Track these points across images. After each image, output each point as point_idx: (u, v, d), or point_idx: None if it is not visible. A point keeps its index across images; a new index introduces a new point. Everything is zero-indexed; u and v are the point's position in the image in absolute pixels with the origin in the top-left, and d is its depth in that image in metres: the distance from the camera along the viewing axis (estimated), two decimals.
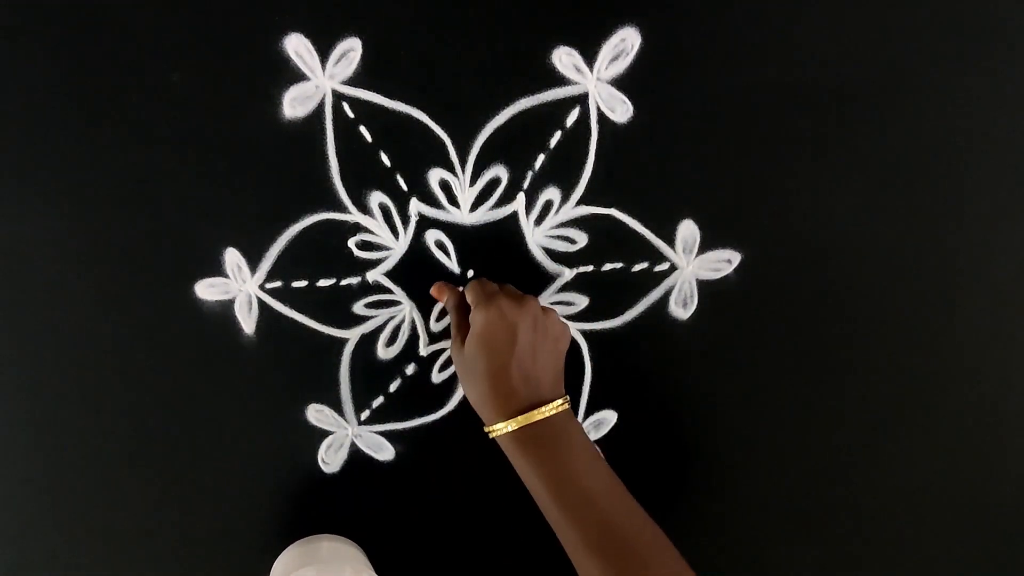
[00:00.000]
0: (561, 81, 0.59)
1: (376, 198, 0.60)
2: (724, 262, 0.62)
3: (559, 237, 0.62)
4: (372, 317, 0.62)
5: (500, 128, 0.59)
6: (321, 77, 0.58)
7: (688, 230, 0.62)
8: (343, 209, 0.60)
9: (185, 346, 0.61)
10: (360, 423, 0.64)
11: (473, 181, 0.60)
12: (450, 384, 0.64)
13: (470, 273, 0.62)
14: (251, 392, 0.62)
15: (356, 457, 0.64)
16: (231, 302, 0.61)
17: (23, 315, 0.60)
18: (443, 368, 0.63)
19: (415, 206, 0.61)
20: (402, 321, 0.63)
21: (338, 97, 0.59)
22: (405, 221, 0.61)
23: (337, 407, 0.63)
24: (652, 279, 0.63)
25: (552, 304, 0.63)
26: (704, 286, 0.63)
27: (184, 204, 0.59)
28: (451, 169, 0.60)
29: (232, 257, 0.60)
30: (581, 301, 0.63)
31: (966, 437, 0.66)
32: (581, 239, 0.62)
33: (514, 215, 0.61)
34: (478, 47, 0.58)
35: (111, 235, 0.59)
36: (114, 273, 0.60)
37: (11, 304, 0.60)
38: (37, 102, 0.57)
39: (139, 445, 0.63)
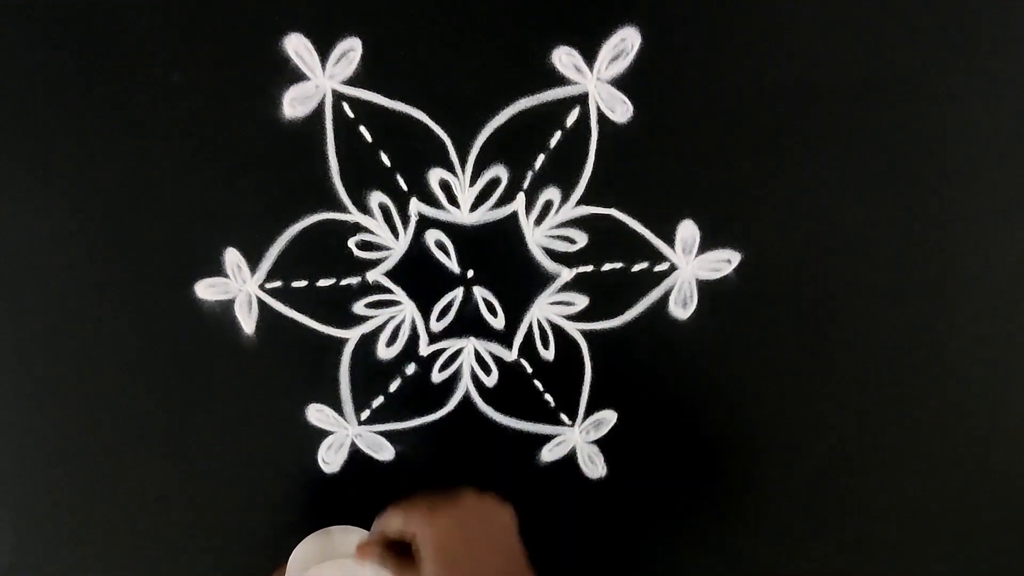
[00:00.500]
0: (561, 81, 0.59)
1: (376, 198, 0.60)
2: (724, 262, 0.62)
3: (559, 237, 0.62)
4: (372, 317, 0.62)
5: (500, 128, 0.59)
6: (321, 77, 0.58)
7: (688, 230, 0.62)
8: (343, 209, 0.60)
9: (185, 346, 0.61)
10: (360, 423, 0.64)
11: (473, 181, 0.60)
12: (450, 384, 0.64)
13: (470, 273, 0.62)
14: (251, 392, 0.62)
15: (356, 457, 0.64)
16: (231, 302, 0.61)
17: (23, 315, 0.60)
18: (443, 368, 0.63)
19: (415, 206, 0.61)
20: (402, 321, 0.63)
21: (338, 97, 0.59)
22: (405, 221, 0.61)
23: (337, 407, 0.63)
24: (652, 279, 0.63)
25: (552, 304, 0.63)
26: (704, 286, 0.63)
27: (184, 204, 0.59)
28: (451, 169, 0.60)
29: (232, 257, 0.60)
30: (581, 301, 0.63)
31: (967, 436, 0.66)
32: (581, 239, 0.62)
33: (514, 215, 0.61)
34: (478, 47, 0.58)
35: (111, 235, 0.59)
36: (114, 273, 0.60)
37: (11, 304, 0.60)
38: (37, 102, 0.57)
39: (138, 445, 0.63)
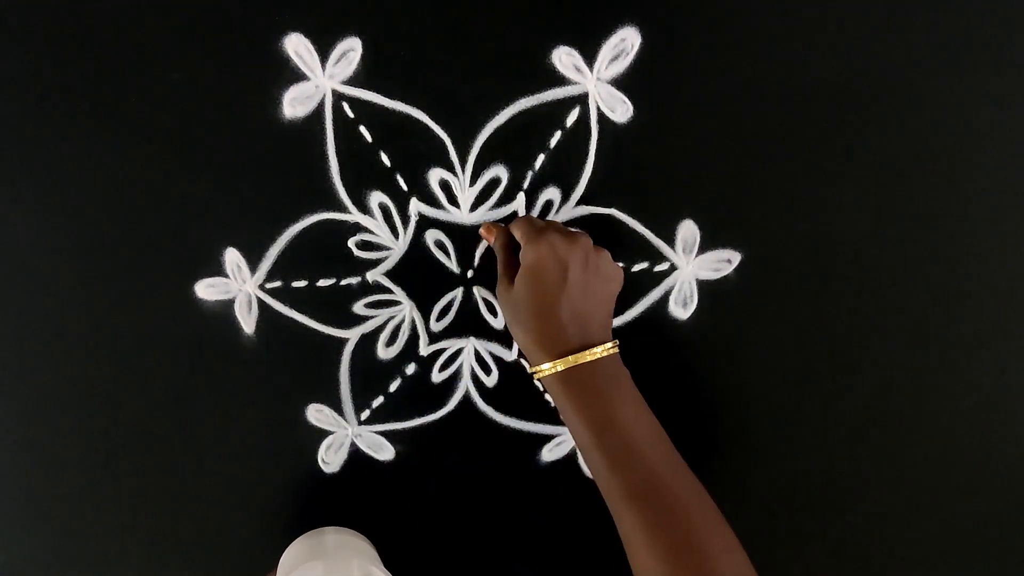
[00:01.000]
0: (561, 81, 0.59)
1: (376, 198, 0.60)
2: (724, 262, 0.62)
3: None
4: (372, 317, 0.62)
5: (500, 128, 0.59)
6: (321, 77, 0.58)
7: (688, 230, 0.62)
8: (343, 209, 0.60)
9: (185, 346, 0.61)
10: (360, 423, 0.64)
11: (473, 181, 0.60)
12: (450, 384, 0.64)
13: (470, 273, 0.62)
14: (251, 392, 0.62)
15: (356, 457, 0.64)
16: (231, 302, 0.61)
17: (23, 315, 0.60)
18: (443, 368, 0.63)
19: (415, 206, 0.61)
20: (402, 321, 0.63)
21: (338, 97, 0.59)
22: (405, 221, 0.61)
23: (337, 407, 0.63)
24: (652, 279, 0.63)
25: None
26: (704, 286, 0.63)
27: (184, 204, 0.59)
28: (451, 169, 0.60)
29: (232, 257, 0.60)
30: None
31: (967, 436, 0.66)
32: None
33: (514, 215, 0.61)
34: (478, 47, 0.58)
35: (111, 235, 0.59)
36: (114, 273, 0.60)
37: (10, 304, 0.60)
38: (37, 102, 0.57)
39: (139, 445, 0.63)
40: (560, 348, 0.53)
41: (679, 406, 0.65)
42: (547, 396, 0.64)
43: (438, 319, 0.63)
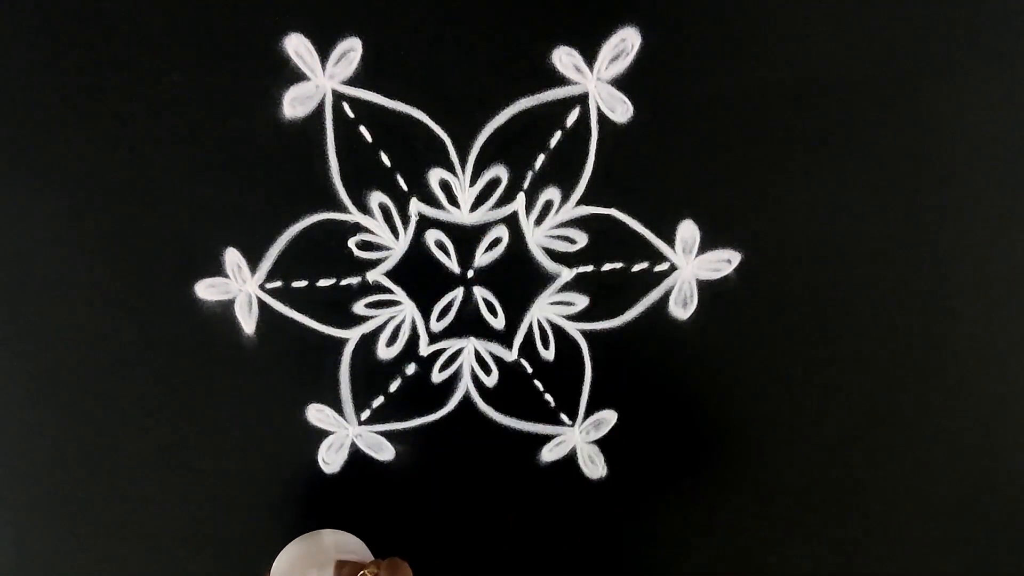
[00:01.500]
0: (561, 81, 0.59)
1: (376, 198, 0.60)
2: (724, 262, 0.62)
3: (559, 237, 0.62)
4: (372, 317, 0.62)
5: (500, 128, 0.59)
6: (321, 77, 0.58)
7: (688, 230, 0.62)
8: (343, 209, 0.60)
9: (185, 346, 0.61)
10: (360, 423, 0.64)
11: (473, 181, 0.60)
12: (450, 384, 0.64)
13: (470, 273, 0.62)
14: (251, 392, 0.62)
15: (356, 457, 0.64)
16: (231, 302, 0.61)
17: (23, 315, 0.60)
18: (443, 368, 0.63)
19: (415, 206, 0.61)
20: (402, 321, 0.63)
21: (338, 97, 0.59)
22: (405, 221, 0.61)
23: (337, 407, 0.63)
24: (652, 279, 0.63)
25: (552, 304, 0.63)
26: (704, 286, 0.63)
27: (184, 204, 0.59)
28: (451, 169, 0.60)
29: (232, 257, 0.60)
30: (581, 301, 0.63)
31: (966, 436, 0.66)
32: (581, 239, 0.62)
33: (514, 215, 0.61)
34: (478, 47, 0.58)
35: (111, 235, 0.59)
36: (114, 273, 0.60)
37: (11, 304, 0.60)
38: (37, 102, 0.57)
39: (138, 445, 0.63)
40: None
41: (679, 406, 0.65)
42: (547, 396, 0.64)
43: (438, 319, 0.63)
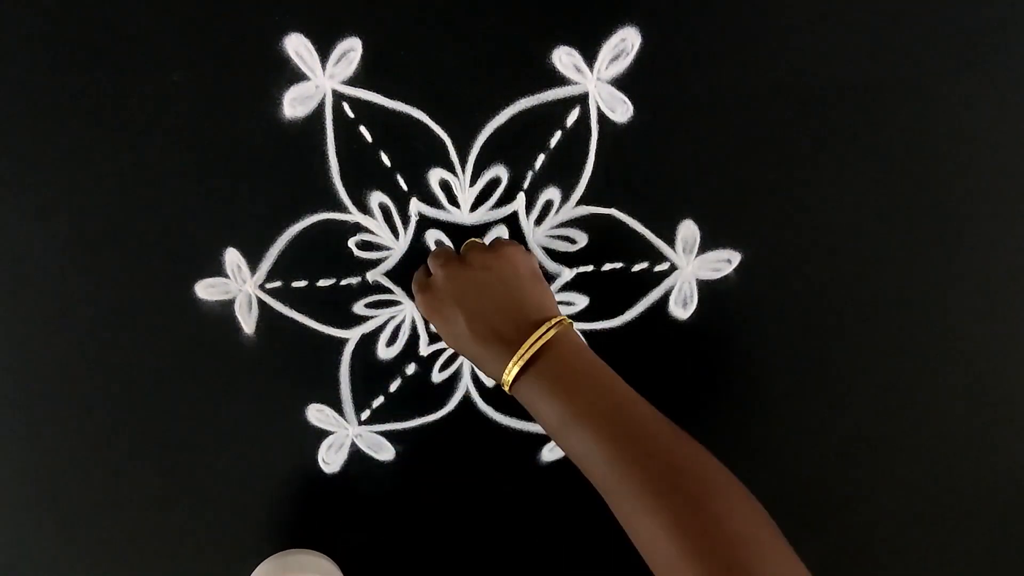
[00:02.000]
0: (561, 81, 0.59)
1: (376, 198, 0.60)
2: (724, 262, 0.62)
3: (559, 237, 0.62)
4: (372, 317, 0.62)
5: (500, 128, 0.59)
6: (321, 77, 0.58)
7: (688, 230, 0.62)
8: (343, 209, 0.60)
9: (185, 346, 0.61)
10: (360, 423, 0.64)
11: (473, 181, 0.60)
12: (450, 384, 0.64)
13: None
14: (251, 392, 0.62)
15: (356, 457, 0.64)
16: (231, 302, 0.61)
17: (23, 315, 0.60)
18: (443, 368, 0.63)
19: (415, 206, 0.61)
20: (402, 321, 0.63)
21: (338, 97, 0.59)
22: (405, 221, 0.61)
23: (337, 407, 0.63)
24: (652, 279, 0.63)
25: None
26: (704, 286, 0.63)
27: (184, 204, 0.59)
28: (451, 169, 0.60)
29: (232, 257, 0.60)
30: (581, 301, 0.63)
31: (966, 436, 0.66)
32: (581, 239, 0.62)
33: (514, 215, 0.61)
34: (478, 47, 0.58)
35: (111, 235, 0.59)
36: (114, 273, 0.60)
37: (11, 304, 0.60)
38: (37, 102, 0.57)
39: (138, 445, 0.63)
40: (511, 348, 0.49)
41: (679, 406, 0.65)
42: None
43: None
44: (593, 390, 0.47)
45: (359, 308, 0.62)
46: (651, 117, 0.60)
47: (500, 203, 0.61)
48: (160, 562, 0.65)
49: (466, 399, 0.64)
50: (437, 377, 0.63)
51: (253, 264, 0.61)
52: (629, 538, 0.44)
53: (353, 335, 0.62)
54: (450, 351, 0.63)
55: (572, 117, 0.60)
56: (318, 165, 0.59)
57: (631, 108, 0.60)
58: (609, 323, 0.63)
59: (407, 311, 0.62)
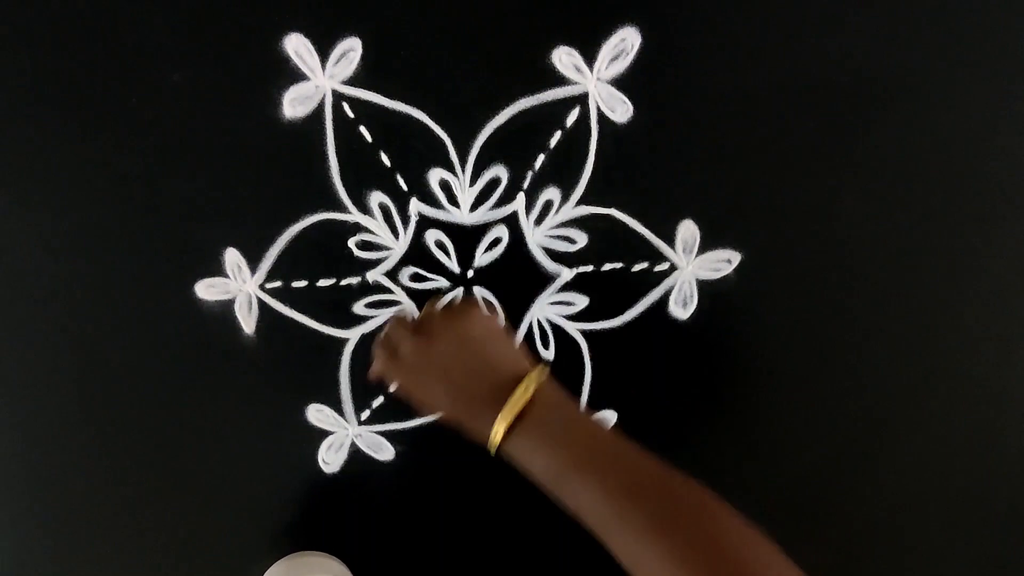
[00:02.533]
0: (561, 81, 0.59)
1: (376, 198, 0.60)
2: (724, 262, 0.62)
3: (559, 237, 0.62)
4: (372, 317, 0.62)
5: (500, 128, 0.59)
6: (321, 77, 0.58)
7: (688, 230, 0.62)
8: (343, 209, 0.60)
9: (185, 346, 0.61)
10: (360, 423, 0.64)
11: (473, 181, 0.60)
12: None
13: (470, 273, 0.62)
14: (251, 392, 0.62)
15: (356, 457, 0.64)
16: (231, 302, 0.61)
17: (23, 315, 0.60)
18: None
19: (415, 206, 0.61)
20: None
21: (338, 97, 0.59)
22: (405, 221, 0.61)
23: (337, 407, 0.63)
24: (652, 279, 0.63)
25: (552, 304, 0.63)
26: (704, 286, 0.63)
27: (184, 204, 0.59)
28: (451, 169, 0.60)
29: (232, 257, 0.60)
30: (581, 301, 0.63)
31: (966, 436, 0.66)
32: (581, 239, 0.62)
33: (514, 215, 0.61)
34: (478, 47, 0.58)
35: (111, 235, 0.59)
36: (114, 273, 0.60)
37: (11, 304, 0.60)
38: (37, 102, 0.57)
39: (138, 445, 0.63)
40: (494, 409, 0.50)
41: (679, 406, 0.65)
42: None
43: None
44: (585, 439, 0.49)
45: (359, 308, 0.62)
46: (651, 117, 0.60)
47: (500, 203, 0.61)
48: (159, 562, 0.65)
49: None
50: None
51: (253, 264, 0.61)
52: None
53: (353, 335, 0.62)
54: None
55: (572, 117, 0.60)
56: (318, 165, 0.59)
57: (631, 108, 0.60)
58: (609, 323, 0.63)
59: (407, 311, 0.62)
